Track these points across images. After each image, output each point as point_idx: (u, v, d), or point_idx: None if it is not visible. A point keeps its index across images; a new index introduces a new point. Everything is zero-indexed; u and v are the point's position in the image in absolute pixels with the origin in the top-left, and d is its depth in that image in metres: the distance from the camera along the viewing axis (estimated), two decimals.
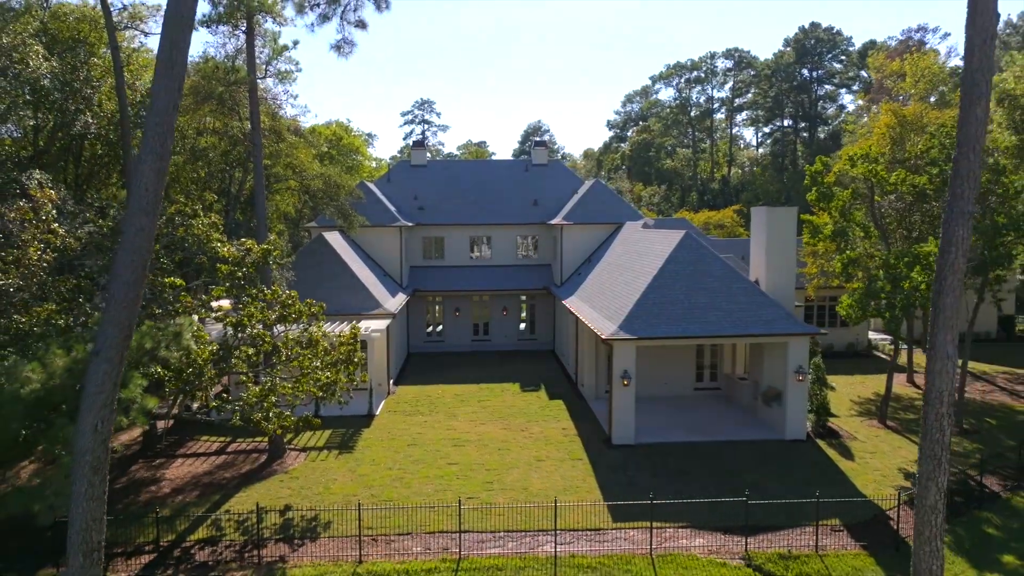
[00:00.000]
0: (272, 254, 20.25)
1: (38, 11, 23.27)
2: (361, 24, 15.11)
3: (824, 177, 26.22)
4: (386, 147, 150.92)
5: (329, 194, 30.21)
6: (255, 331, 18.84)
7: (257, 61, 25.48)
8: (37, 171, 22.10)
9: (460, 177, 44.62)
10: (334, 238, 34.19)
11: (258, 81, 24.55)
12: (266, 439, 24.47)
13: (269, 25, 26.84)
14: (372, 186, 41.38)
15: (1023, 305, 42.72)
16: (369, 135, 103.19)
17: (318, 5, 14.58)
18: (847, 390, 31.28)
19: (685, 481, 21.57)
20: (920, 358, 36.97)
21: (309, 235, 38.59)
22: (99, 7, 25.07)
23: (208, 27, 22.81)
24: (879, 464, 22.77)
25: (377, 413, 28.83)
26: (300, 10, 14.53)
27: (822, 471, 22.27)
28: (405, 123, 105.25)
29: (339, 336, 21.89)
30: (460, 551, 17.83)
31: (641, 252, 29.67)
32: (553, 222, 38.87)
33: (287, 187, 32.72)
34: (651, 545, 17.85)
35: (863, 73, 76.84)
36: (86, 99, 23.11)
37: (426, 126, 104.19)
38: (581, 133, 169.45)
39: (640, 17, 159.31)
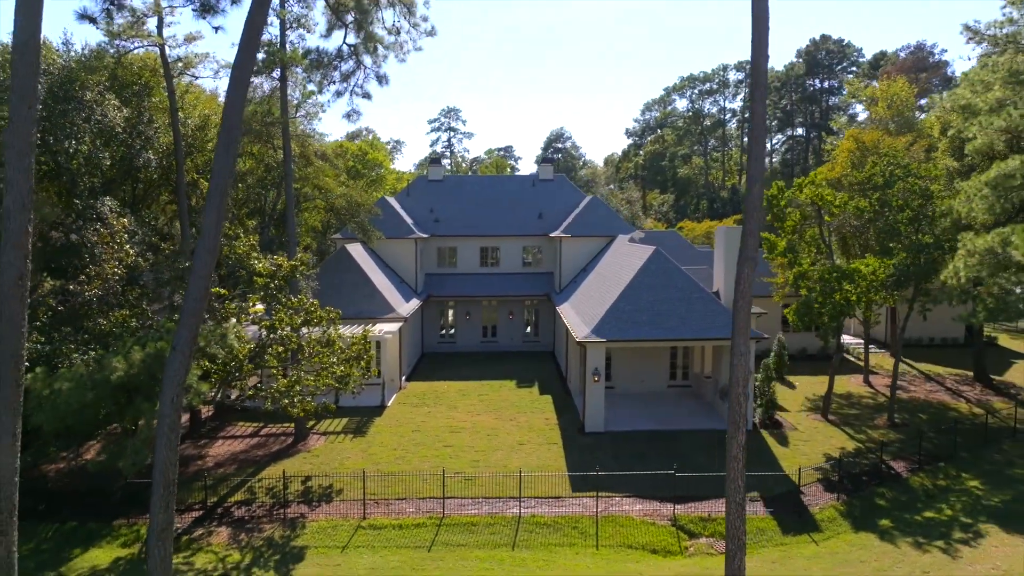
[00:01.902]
0: (299, 268, 24.82)
1: (110, 61, 28.13)
2: (367, 95, 19.43)
3: (780, 200, 29.90)
4: (414, 152, 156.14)
5: (351, 211, 34.78)
6: (284, 332, 23.43)
7: (289, 99, 30.09)
8: (108, 198, 27.02)
9: (473, 191, 48.95)
10: (356, 249, 38.77)
11: (288, 119, 29.17)
12: (292, 424, 29.05)
13: (299, 71, 31.59)
14: (392, 200, 45.93)
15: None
16: (397, 142, 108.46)
17: (334, 82, 18.94)
18: (807, 388, 34.82)
19: (641, 462, 25.52)
20: (881, 359, 40.30)
21: (335, 245, 43.25)
22: (159, 57, 30.00)
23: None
24: (808, 450, 26.53)
25: (388, 404, 33.26)
26: (320, 89, 18.83)
27: (758, 455, 26.07)
28: (432, 130, 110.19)
29: (353, 337, 26.38)
30: (443, 511, 22.20)
31: (622, 264, 33.69)
32: (553, 235, 43.03)
33: (314, 205, 37.36)
34: (597, 509, 21.99)
35: (874, 83, 79.37)
36: (148, 139, 27.96)
37: (452, 133, 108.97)
38: (604, 138, 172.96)
39: (659, 25, 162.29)
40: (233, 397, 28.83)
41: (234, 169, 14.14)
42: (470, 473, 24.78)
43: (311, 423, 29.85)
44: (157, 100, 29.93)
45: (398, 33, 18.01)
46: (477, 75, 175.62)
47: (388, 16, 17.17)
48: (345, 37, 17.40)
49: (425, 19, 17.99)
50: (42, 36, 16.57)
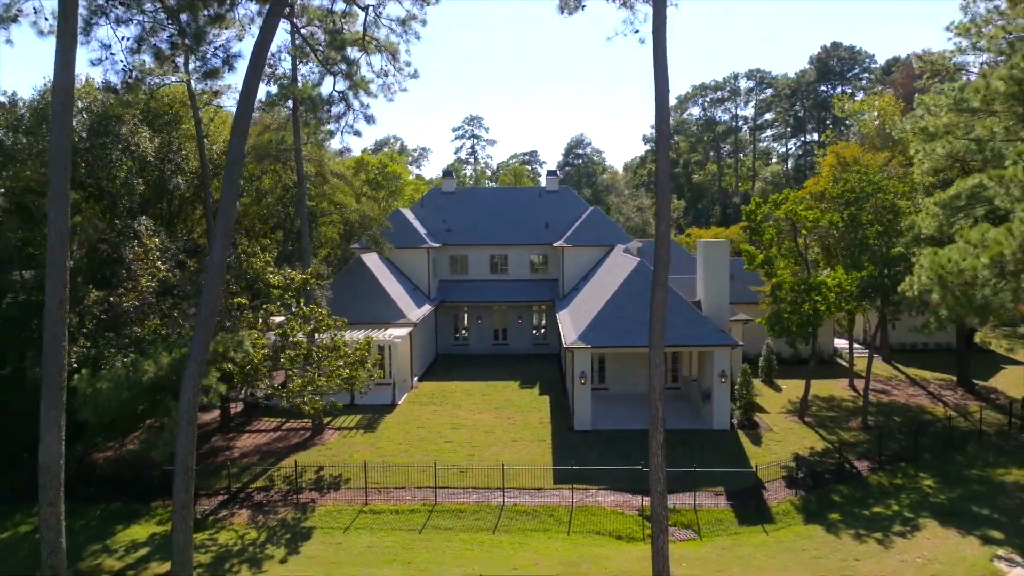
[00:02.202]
0: (310, 282, 27.72)
1: (143, 96, 31.34)
2: (357, 133, 22.25)
3: (756, 215, 31.89)
4: (440, 159, 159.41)
5: (364, 225, 37.71)
6: (296, 339, 26.35)
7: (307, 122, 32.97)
8: (144, 218, 30.25)
9: (483, 202, 51.62)
10: (371, 258, 41.68)
11: (300, 144, 32.05)
12: (310, 420, 31.99)
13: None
14: (407, 212, 48.82)
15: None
16: (424, 149, 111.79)
17: (327, 123, 21.77)
18: (794, 391, 36.63)
19: (623, 458, 27.76)
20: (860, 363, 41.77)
21: (354, 254, 46.29)
22: (186, 89, 33.15)
23: (264, 110, 30.45)
24: (779, 450, 28.55)
25: (399, 403, 36.03)
26: (315, 129, 21.68)
27: (731, 453, 28.20)
28: (456, 138, 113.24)
29: (358, 343, 29.19)
30: (436, 499, 24.85)
31: (613, 274, 35.99)
32: (556, 244, 45.45)
33: (331, 220, 40.46)
34: (572, 500, 24.42)
35: (888, 89, 79.87)
36: (177, 165, 31.19)
37: (475, 140, 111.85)
38: (626, 143, 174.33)
39: (683, 33, 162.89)
40: (258, 395, 31.95)
41: (237, 203, 16.91)
42: (464, 466, 27.38)
43: (327, 419, 32.73)
44: (186, 128, 33.04)
45: (386, 75, 20.74)
46: (502, 81, 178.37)
47: (376, 61, 19.98)
48: (335, 85, 20.14)
49: (408, 64, 20.68)
50: (85, 74, 19.43)
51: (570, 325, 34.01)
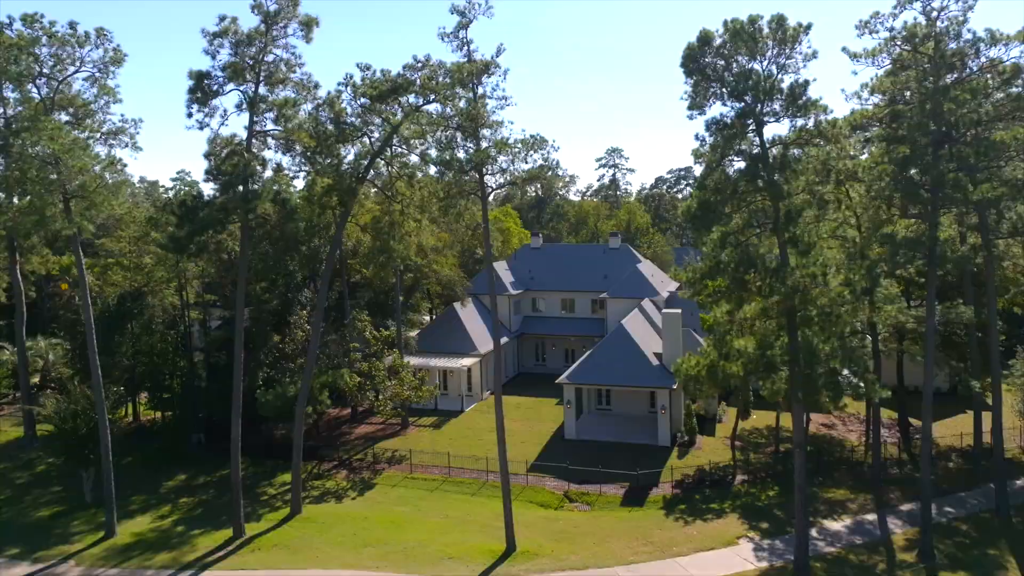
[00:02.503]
0: (392, 336, 45.30)
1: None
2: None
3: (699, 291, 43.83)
4: (582, 183, 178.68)
5: (450, 286, 54.92)
6: (379, 374, 44.10)
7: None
8: (307, 289, 49.71)
9: (560, 256, 66.66)
10: (459, 305, 58.48)
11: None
12: (400, 419, 49.45)
13: None
14: (499, 265, 65.25)
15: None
16: (572, 177, 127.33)
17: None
18: (762, 421, 47.19)
19: (585, 459, 41.61)
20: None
21: (462, 298, 63.38)
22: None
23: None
24: (695, 461, 40.60)
25: (466, 410, 52.46)
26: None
27: (658, 460, 40.87)
28: (599, 167, 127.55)
29: (421, 372, 46.20)
30: (449, 474, 40.97)
31: (616, 328, 49.49)
32: (601, 296, 59.23)
33: (429, 282, 58.45)
34: (527, 482, 39.24)
35: None
36: (321, 261, 50.38)
37: (616, 169, 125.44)
38: None
39: None
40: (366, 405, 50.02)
41: (325, 309, 34.38)
42: (480, 455, 43.04)
43: (412, 419, 50.13)
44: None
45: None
46: (647, 105, 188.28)
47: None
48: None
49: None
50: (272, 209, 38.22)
51: (576, 363, 48.29)
